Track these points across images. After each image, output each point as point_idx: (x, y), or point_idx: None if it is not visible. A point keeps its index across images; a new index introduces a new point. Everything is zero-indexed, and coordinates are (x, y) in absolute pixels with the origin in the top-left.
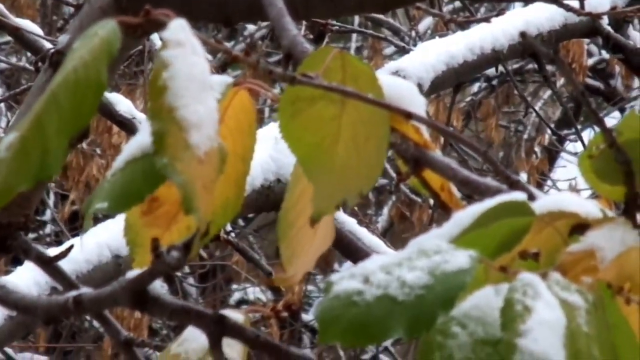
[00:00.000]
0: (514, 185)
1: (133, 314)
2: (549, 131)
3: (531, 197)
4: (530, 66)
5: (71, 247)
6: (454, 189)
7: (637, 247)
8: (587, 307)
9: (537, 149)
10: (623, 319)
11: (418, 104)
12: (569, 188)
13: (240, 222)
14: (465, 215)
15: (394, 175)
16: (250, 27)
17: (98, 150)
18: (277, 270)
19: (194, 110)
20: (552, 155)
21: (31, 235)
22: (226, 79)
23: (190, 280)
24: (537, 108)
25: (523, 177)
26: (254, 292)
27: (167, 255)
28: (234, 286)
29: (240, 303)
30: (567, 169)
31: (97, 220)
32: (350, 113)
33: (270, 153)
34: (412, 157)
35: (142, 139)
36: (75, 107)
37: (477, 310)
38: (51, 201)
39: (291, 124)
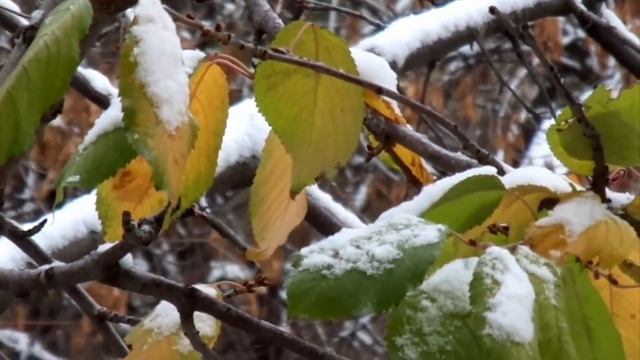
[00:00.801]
0: (484, 159)
1: (111, 292)
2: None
3: (501, 172)
4: (507, 45)
5: (44, 221)
6: (425, 164)
7: (605, 221)
8: (556, 281)
9: (513, 127)
10: (594, 291)
11: (389, 80)
12: (544, 165)
13: (220, 201)
14: (435, 189)
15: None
16: (230, 7)
17: (76, 129)
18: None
19: (164, 86)
20: (528, 133)
21: (11, 214)
22: (198, 54)
23: (170, 258)
24: (513, 87)
25: (500, 154)
26: (233, 270)
27: (138, 229)
28: (213, 264)
29: (219, 281)
30: (542, 146)
31: (75, 196)
32: (326, 85)
33: (246, 130)
34: (383, 132)
35: (114, 112)
36: (46, 83)
37: (447, 284)
38: (30, 180)
39: (267, 98)
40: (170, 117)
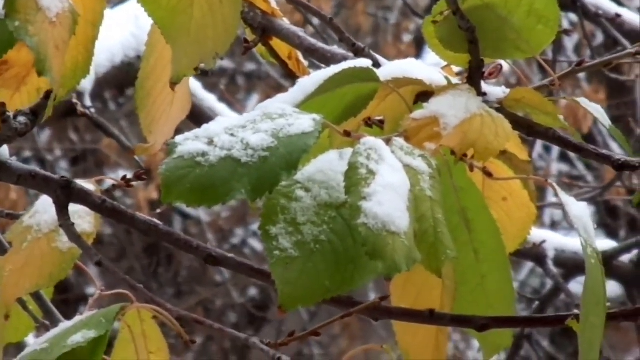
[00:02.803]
0: (360, 52)
1: (9, 195)
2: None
3: (376, 64)
4: None
5: None
6: (302, 58)
7: (480, 114)
8: (431, 173)
9: (405, 35)
10: (470, 183)
11: None
12: None
13: (112, 107)
14: (309, 81)
15: (263, 61)
16: None
17: None
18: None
19: None
20: (420, 41)
21: None
22: None
23: (62, 164)
24: None
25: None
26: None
27: (14, 121)
28: (106, 170)
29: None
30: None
31: None
32: None
33: (131, 30)
34: (260, 26)
35: None
36: None
37: (321, 174)
38: None
39: None
40: (51, 4)
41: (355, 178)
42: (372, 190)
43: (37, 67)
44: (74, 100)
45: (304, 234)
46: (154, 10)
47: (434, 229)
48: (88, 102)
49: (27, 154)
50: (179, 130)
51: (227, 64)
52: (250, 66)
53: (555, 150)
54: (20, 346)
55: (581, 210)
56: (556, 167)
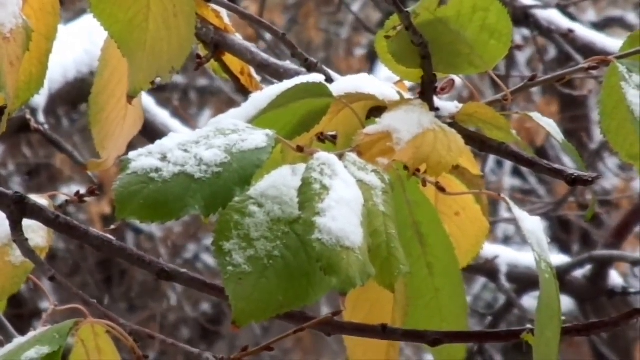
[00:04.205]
0: (313, 67)
1: None
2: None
3: (329, 80)
4: None
5: None
6: (254, 73)
7: (433, 129)
8: (384, 187)
9: (356, 49)
10: (424, 198)
11: None
12: None
13: (66, 124)
14: (262, 96)
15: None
16: None
17: None
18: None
19: None
20: (372, 56)
21: None
22: None
23: (16, 178)
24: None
25: None
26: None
27: None
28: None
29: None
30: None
31: None
32: None
33: (85, 46)
34: (213, 41)
35: None
36: None
37: (274, 189)
38: None
39: (102, 3)
40: (4, 20)
41: (309, 193)
42: (326, 206)
43: None
44: (28, 116)
45: (257, 250)
46: (111, 24)
47: (387, 244)
48: (42, 118)
49: None
50: (131, 146)
51: (179, 79)
52: (202, 81)
53: (508, 164)
54: None
55: (534, 225)
56: (509, 181)
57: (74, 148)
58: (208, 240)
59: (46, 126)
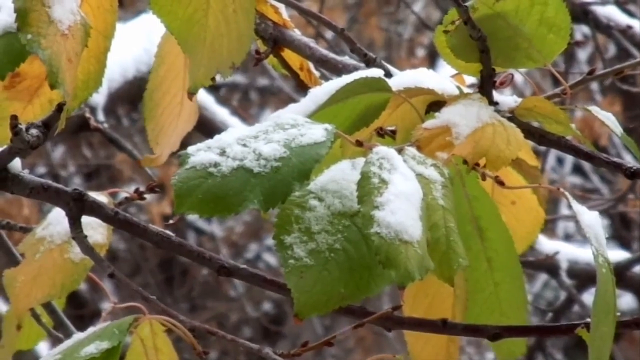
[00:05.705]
0: (371, 62)
1: (21, 211)
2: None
3: (388, 74)
4: None
5: None
6: (313, 68)
7: (492, 124)
8: (443, 182)
9: (418, 49)
10: (483, 192)
11: None
12: None
13: (125, 123)
14: (321, 91)
15: (275, 76)
16: None
17: None
18: None
19: None
20: (433, 55)
21: None
22: None
23: (76, 180)
24: (417, 9)
25: None
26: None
27: (26, 133)
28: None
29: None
30: (447, 68)
31: None
32: None
33: (144, 45)
34: (271, 37)
35: (3, 17)
36: None
37: (334, 183)
38: None
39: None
40: (62, 16)
41: (368, 187)
42: (385, 199)
43: (50, 80)
44: (87, 115)
45: (319, 243)
46: (170, 20)
47: (446, 237)
48: (101, 117)
49: (41, 169)
50: (188, 143)
51: (239, 79)
52: (263, 81)
53: (569, 162)
54: (28, 353)
55: (593, 219)
56: (570, 180)
57: (134, 147)
58: (270, 240)
59: (106, 125)
